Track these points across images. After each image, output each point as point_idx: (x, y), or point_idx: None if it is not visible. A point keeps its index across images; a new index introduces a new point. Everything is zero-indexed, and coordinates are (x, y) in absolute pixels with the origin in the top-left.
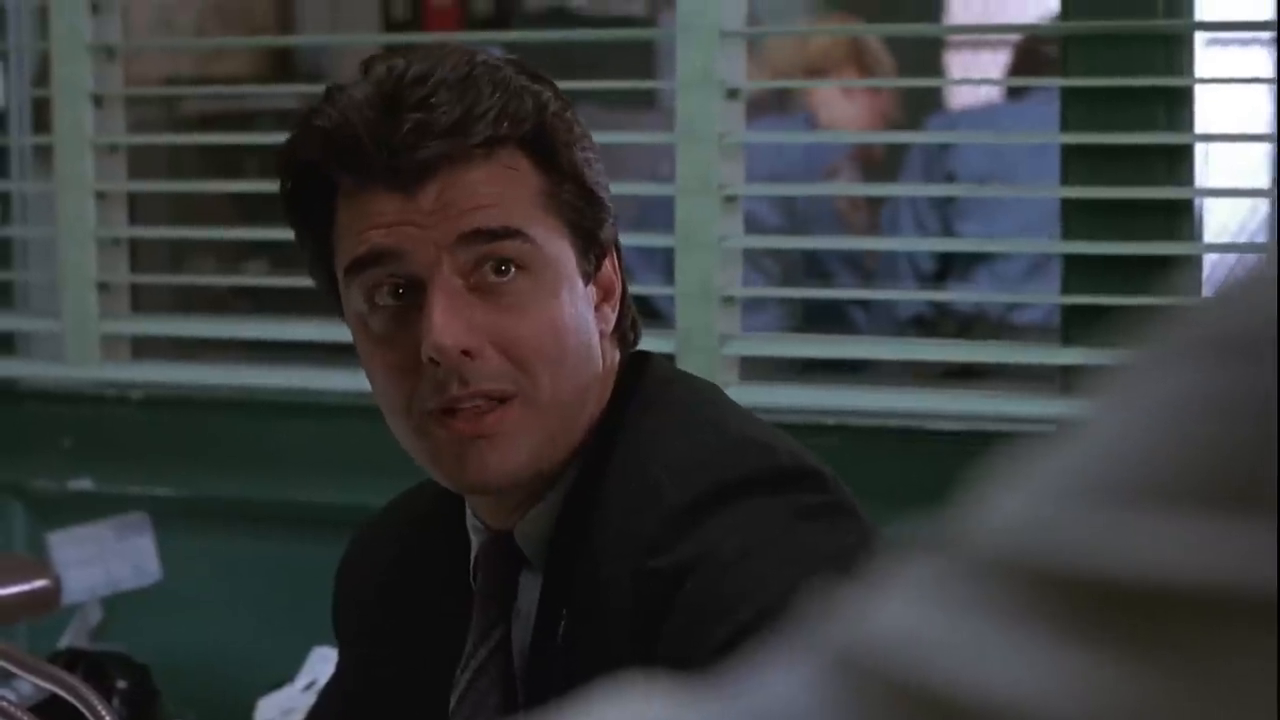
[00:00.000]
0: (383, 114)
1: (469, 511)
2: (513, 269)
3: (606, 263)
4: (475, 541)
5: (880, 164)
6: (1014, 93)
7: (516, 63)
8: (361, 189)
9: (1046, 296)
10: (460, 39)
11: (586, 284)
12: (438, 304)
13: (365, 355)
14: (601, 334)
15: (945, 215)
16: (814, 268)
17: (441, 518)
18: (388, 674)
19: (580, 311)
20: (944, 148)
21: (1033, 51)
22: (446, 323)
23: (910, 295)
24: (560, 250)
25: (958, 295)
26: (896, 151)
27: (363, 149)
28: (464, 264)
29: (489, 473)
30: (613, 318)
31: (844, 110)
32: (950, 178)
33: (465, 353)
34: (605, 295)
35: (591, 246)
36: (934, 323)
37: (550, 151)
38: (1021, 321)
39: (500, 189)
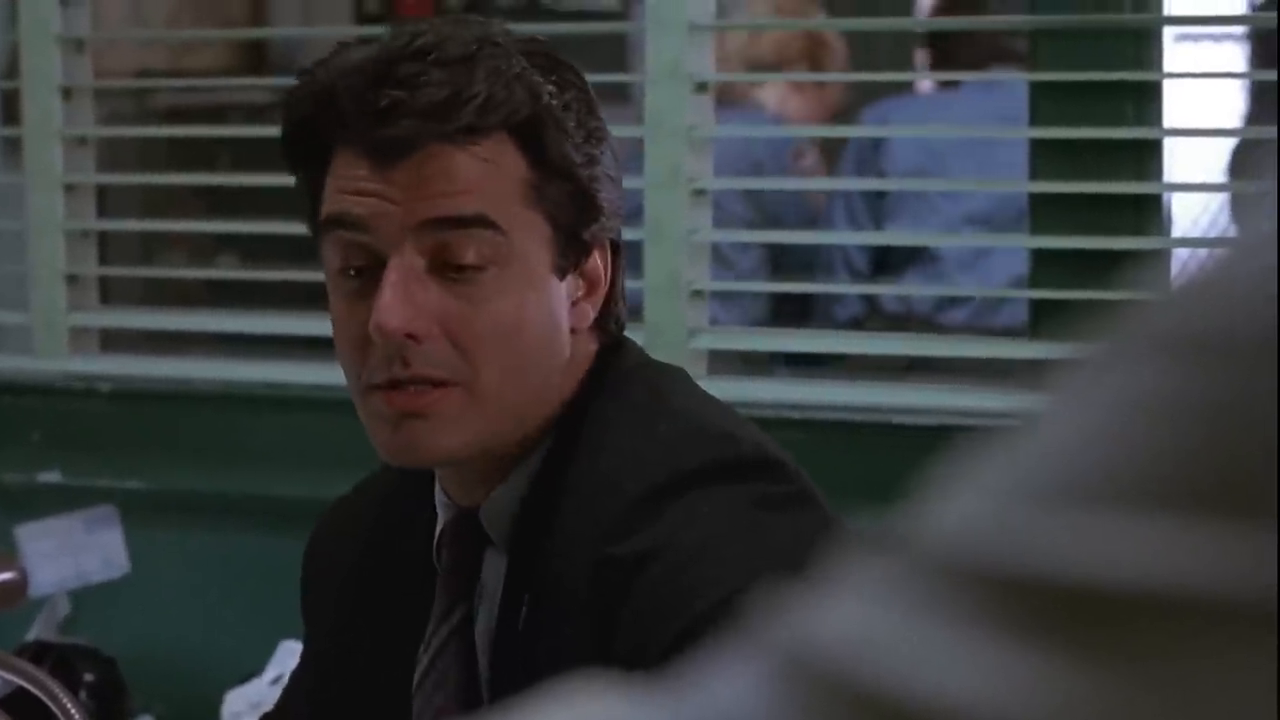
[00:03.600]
0: (369, 84)
1: (438, 487)
2: (476, 260)
3: (596, 258)
4: (442, 518)
5: (830, 159)
6: (945, 84)
7: (535, 48)
8: (347, 148)
9: (1014, 291)
10: None
11: (563, 279)
12: (390, 284)
13: (331, 311)
14: (575, 329)
15: (877, 212)
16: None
17: (410, 495)
18: (353, 653)
19: (546, 308)
20: (877, 143)
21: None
22: (393, 304)
23: (903, 289)
24: (535, 245)
25: (925, 290)
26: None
27: (344, 112)
28: (427, 247)
29: (418, 450)
30: (592, 314)
31: (794, 104)
32: (880, 174)
33: (410, 336)
34: (589, 290)
35: (574, 243)
36: (865, 321)
37: (539, 145)
38: (950, 321)
39: (477, 176)
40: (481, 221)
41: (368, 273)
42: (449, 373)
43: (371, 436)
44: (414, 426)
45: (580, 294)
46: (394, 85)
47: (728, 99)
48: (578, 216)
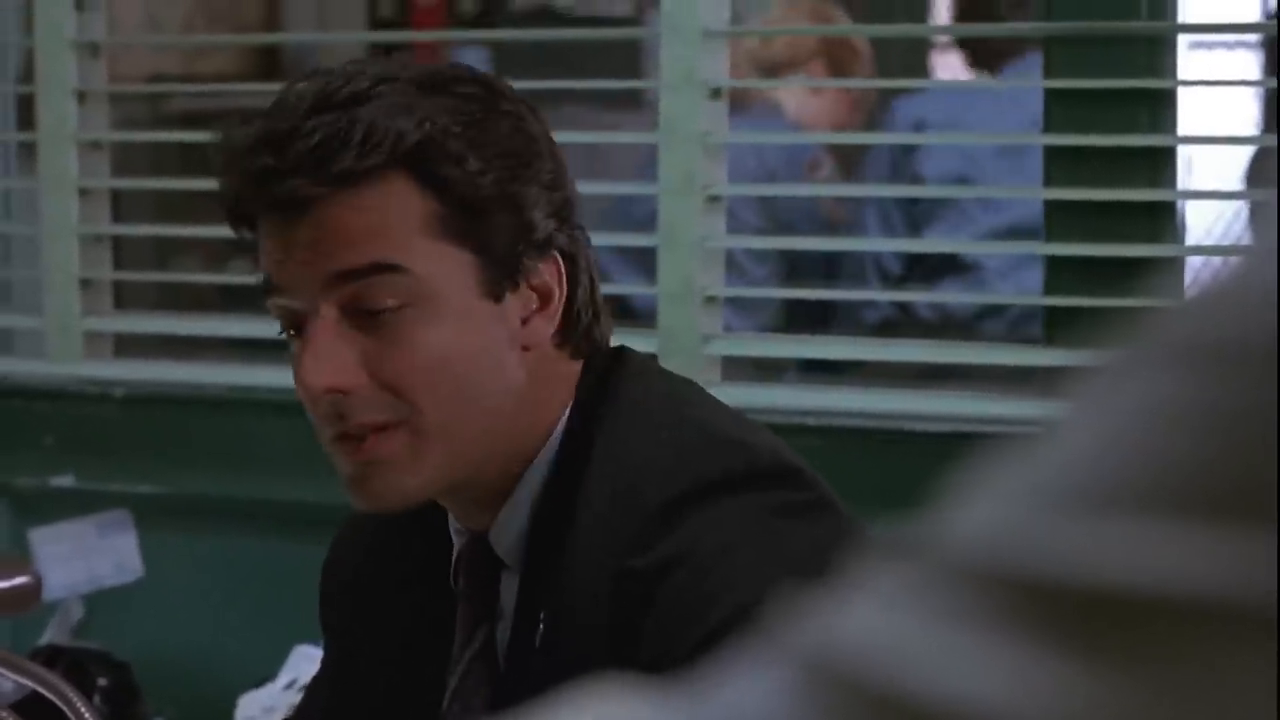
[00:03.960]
0: (251, 151)
1: (450, 513)
2: (389, 304)
3: (546, 271)
4: (457, 543)
5: (852, 160)
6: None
7: (434, 78)
8: (262, 215)
9: (1029, 298)
10: (446, 38)
11: (499, 300)
12: (309, 346)
13: None
14: (528, 347)
15: (913, 217)
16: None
17: (425, 517)
18: (373, 671)
19: (480, 333)
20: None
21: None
22: (312, 366)
23: (903, 296)
24: (450, 274)
25: (941, 297)
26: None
27: (236, 188)
28: (340, 299)
29: (381, 496)
30: (548, 328)
31: (813, 105)
32: (916, 179)
33: (337, 390)
34: (542, 305)
35: (505, 264)
36: (898, 326)
37: (435, 175)
38: (990, 330)
39: (372, 220)
40: (379, 268)
41: (299, 332)
42: (389, 414)
43: (345, 490)
44: (370, 473)
45: (531, 310)
46: (271, 149)
47: (742, 102)
48: (501, 237)
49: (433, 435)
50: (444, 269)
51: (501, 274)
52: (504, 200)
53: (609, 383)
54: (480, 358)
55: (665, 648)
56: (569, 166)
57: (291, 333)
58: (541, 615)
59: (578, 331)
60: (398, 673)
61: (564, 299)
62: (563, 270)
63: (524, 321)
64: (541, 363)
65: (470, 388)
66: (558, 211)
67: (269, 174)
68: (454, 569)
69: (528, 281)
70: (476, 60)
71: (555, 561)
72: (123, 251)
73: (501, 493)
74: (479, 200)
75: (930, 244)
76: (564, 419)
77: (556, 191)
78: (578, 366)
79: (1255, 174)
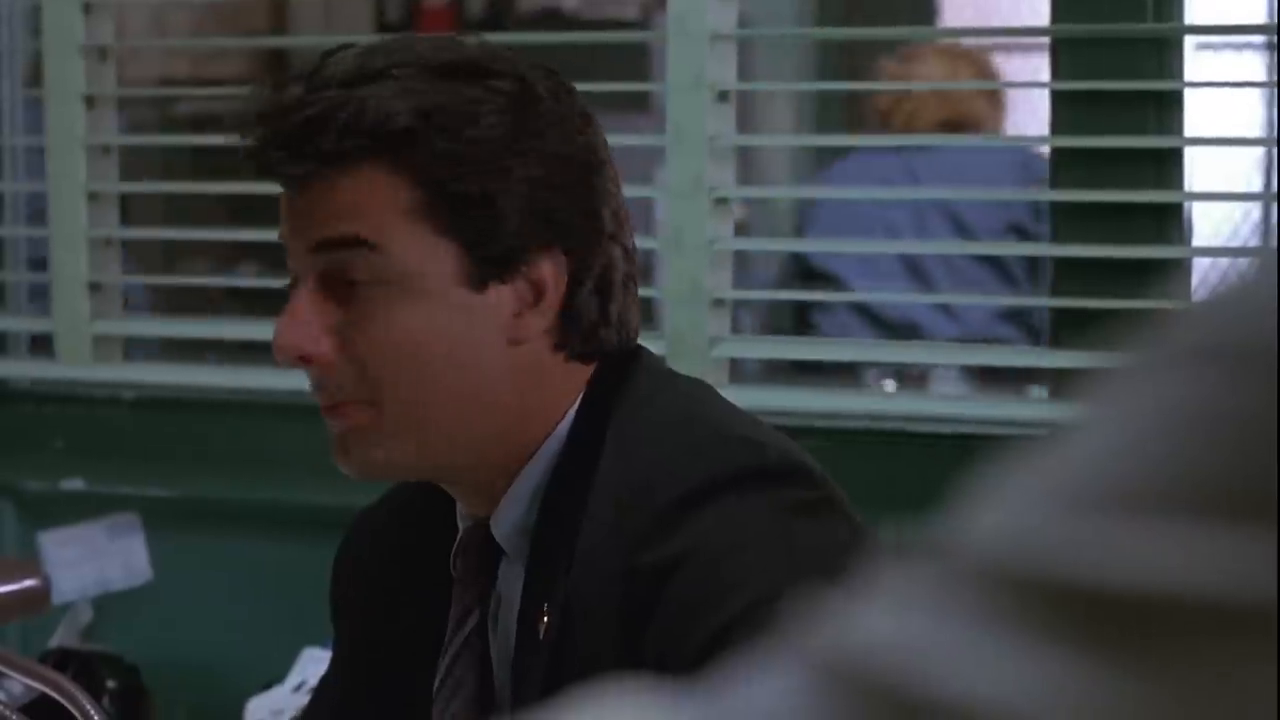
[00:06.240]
0: (260, 119)
1: (457, 500)
2: (364, 279)
3: (544, 267)
4: (462, 529)
5: None
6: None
7: (465, 64)
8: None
9: (1036, 299)
10: None
11: (482, 290)
12: (289, 308)
13: None
14: (517, 340)
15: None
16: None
17: (435, 504)
18: (379, 662)
19: (456, 321)
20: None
21: None
22: (286, 328)
23: (903, 297)
24: (429, 259)
25: (946, 298)
26: None
27: (251, 151)
28: (322, 270)
29: (355, 464)
30: (540, 324)
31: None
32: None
33: (305, 359)
34: (535, 300)
35: (493, 255)
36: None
37: (416, 162)
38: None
39: (357, 197)
40: (355, 242)
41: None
42: (353, 392)
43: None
44: (346, 442)
45: (524, 304)
46: (271, 122)
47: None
48: (489, 229)
49: (395, 414)
50: (422, 254)
51: (488, 266)
52: (494, 193)
53: (621, 381)
54: (455, 344)
55: (674, 644)
56: (618, 177)
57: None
58: (546, 607)
59: (578, 331)
60: (401, 661)
61: (561, 298)
62: (563, 270)
63: (516, 315)
64: (537, 358)
65: (440, 373)
66: (556, 212)
67: (263, 146)
68: (454, 553)
69: (525, 277)
70: None
71: (564, 555)
72: (131, 255)
73: (501, 484)
74: (462, 193)
75: (930, 245)
76: (570, 415)
77: (562, 194)
78: (582, 365)
79: None
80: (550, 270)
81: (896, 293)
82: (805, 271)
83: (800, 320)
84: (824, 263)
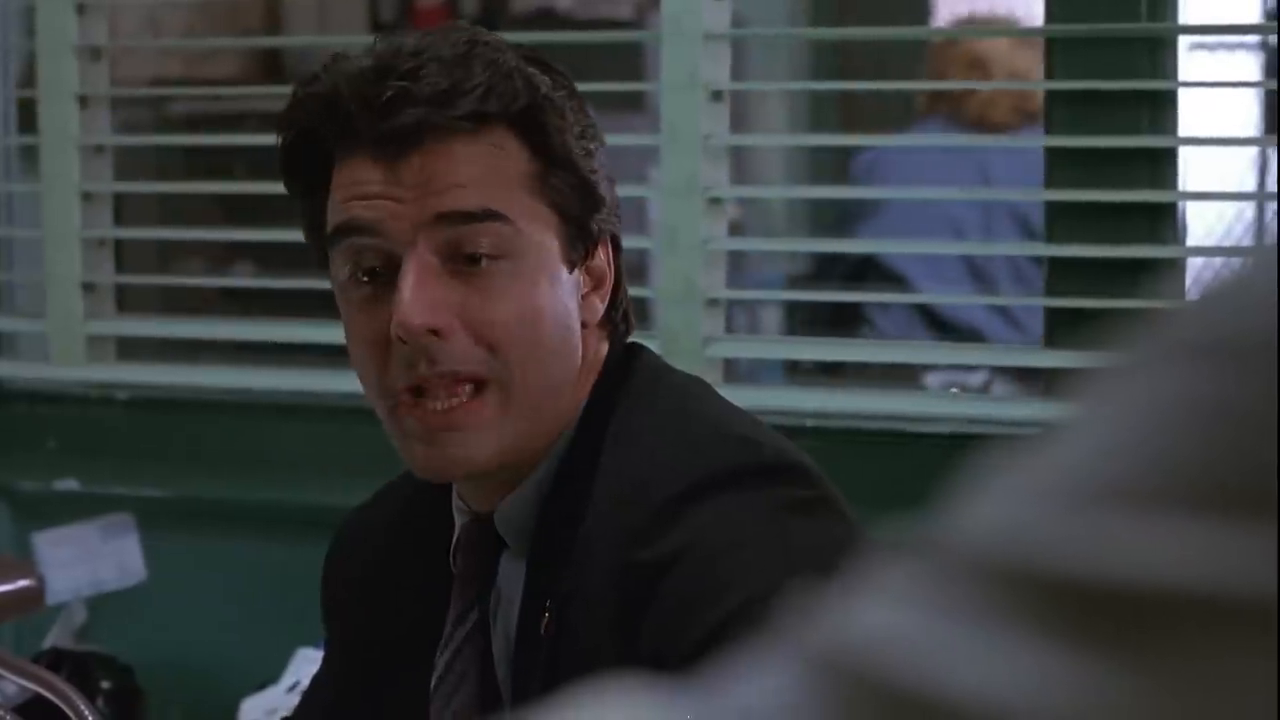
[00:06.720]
0: (371, 80)
1: (454, 493)
2: (490, 252)
3: (600, 253)
4: (459, 523)
5: None
6: None
7: (522, 47)
8: (350, 155)
9: (1030, 299)
10: None
11: (572, 271)
12: (408, 282)
13: (345, 323)
14: (586, 324)
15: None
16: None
17: (428, 501)
18: (373, 658)
19: (560, 299)
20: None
21: None
22: (414, 301)
23: (903, 297)
24: (544, 236)
25: (941, 298)
26: None
27: (349, 112)
28: (440, 243)
29: (452, 465)
30: (601, 308)
31: None
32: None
33: (434, 332)
34: (596, 285)
35: (581, 234)
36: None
37: (541, 134)
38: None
39: (483, 168)
40: (489, 214)
41: (381, 277)
42: (478, 366)
43: (403, 453)
44: (446, 441)
45: (588, 288)
46: (396, 78)
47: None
48: (582, 207)
49: (515, 396)
50: (538, 227)
51: (577, 244)
52: (587, 172)
53: (623, 376)
54: (560, 322)
55: (670, 640)
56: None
57: (365, 278)
58: (548, 603)
59: (616, 316)
60: (396, 657)
61: (614, 282)
62: (611, 255)
63: (583, 297)
64: (588, 343)
65: (549, 350)
66: (613, 198)
67: (395, 100)
68: (453, 548)
69: (591, 260)
70: None
71: (564, 550)
72: (125, 255)
73: (518, 475)
74: (570, 166)
75: (930, 245)
76: (584, 405)
77: (612, 182)
78: (604, 355)
79: None
80: (605, 255)
81: (894, 293)
82: (871, 270)
83: (857, 319)
84: (890, 262)
